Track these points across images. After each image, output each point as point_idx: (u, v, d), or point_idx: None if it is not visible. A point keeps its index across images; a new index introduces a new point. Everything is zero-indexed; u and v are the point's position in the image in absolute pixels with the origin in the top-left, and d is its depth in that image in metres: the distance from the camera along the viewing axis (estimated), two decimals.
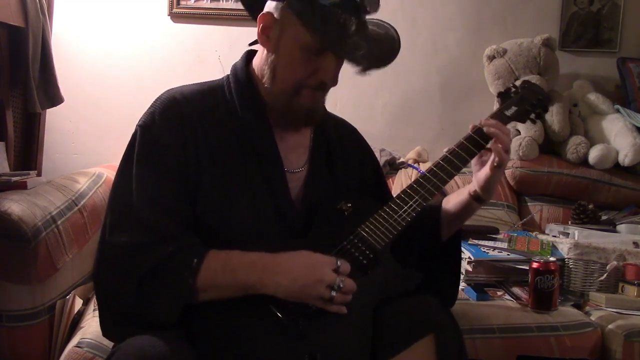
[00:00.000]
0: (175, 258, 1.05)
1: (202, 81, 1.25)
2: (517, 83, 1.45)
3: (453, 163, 1.24)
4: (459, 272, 1.38)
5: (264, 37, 1.17)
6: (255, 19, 1.19)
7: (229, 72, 1.26)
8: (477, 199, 1.28)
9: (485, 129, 1.25)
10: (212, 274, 1.05)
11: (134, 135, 1.15)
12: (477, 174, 1.28)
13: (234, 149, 1.17)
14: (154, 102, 1.18)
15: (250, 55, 1.25)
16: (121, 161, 1.15)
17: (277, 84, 1.17)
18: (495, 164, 1.22)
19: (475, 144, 1.26)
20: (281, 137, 1.22)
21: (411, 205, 1.20)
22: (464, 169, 1.28)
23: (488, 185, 1.26)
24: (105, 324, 1.10)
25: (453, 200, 1.33)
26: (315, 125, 1.26)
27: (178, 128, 1.14)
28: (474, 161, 1.28)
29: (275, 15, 1.15)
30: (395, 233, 1.17)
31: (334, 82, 1.17)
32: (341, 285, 1.06)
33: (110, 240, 1.08)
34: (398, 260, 1.22)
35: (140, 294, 1.04)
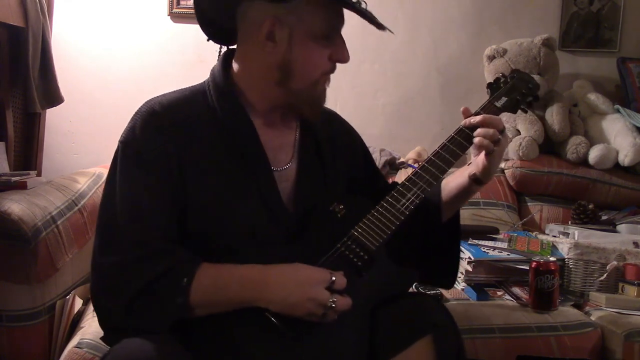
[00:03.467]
0: (164, 278, 1.04)
1: (183, 87, 1.23)
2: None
3: (444, 159, 1.23)
4: (459, 254, 1.36)
5: (270, 43, 1.14)
6: (215, 40, 1.27)
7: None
8: (477, 181, 1.27)
9: (464, 123, 1.24)
10: (202, 292, 1.04)
11: (116, 152, 1.14)
12: (476, 158, 1.26)
13: (220, 154, 1.15)
14: (134, 115, 1.16)
15: (228, 56, 1.23)
16: (106, 179, 1.14)
17: (297, 81, 1.15)
18: (485, 153, 1.21)
19: (465, 137, 1.24)
20: (266, 137, 1.20)
21: (404, 204, 1.18)
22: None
23: (486, 170, 1.24)
24: (104, 331, 1.11)
25: (453, 182, 1.32)
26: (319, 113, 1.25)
27: (159, 141, 1.11)
28: (472, 146, 1.26)
29: (278, 18, 1.12)
30: (390, 233, 1.16)
31: (347, 58, 1.18)
32: (334, 306, 1.04)
33: (99, 260, 1.07)
34: (394, 260, 1.22)
35: (131, 313, 1.03)
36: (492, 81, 1.39)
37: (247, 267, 1.07)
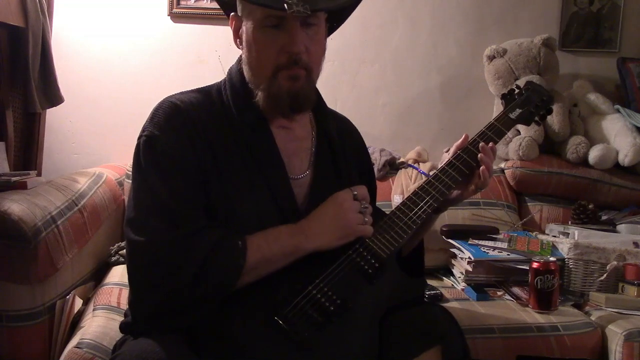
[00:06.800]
0: (221, 244, 1.06)
1: (197, 87, 1.23)
2: (520, 83, 1.43)
3: (457, 169, 1.24)
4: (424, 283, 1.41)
5: (237, 39, 1.19)
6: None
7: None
8: (436, 211, 1.28)
9: (479, 156, 1.25)
10: (256, 249, 1.07)
11: (137, 146, 1.12)
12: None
13: (236, 156, 1.15)
14: (156, 110, 1.15)
15: None
16: (132, 173, 1.14)
17: (257, 76, 1.16)
18: (478, 187, 1.24)
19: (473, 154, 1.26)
20: (282, 142, 1.20)
21: (416, 212, 1.19)
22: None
23: (456, 202, 1.29)
24: (137, 317, 1.10)
25: None
26: (303, 112, 1.22)
27: (185, 134, 1.11)
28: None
29: (238, 13, 1.18)
30: (401, 241, 1.16)
31: (301, 50, 1.12)
32: (367, 207, 1.15)
33: (146, 239, 1.05)
34: (403, 269, 1.22)
35: (199, 281, 1.03)
36: (506, 92, 1.38)
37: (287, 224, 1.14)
